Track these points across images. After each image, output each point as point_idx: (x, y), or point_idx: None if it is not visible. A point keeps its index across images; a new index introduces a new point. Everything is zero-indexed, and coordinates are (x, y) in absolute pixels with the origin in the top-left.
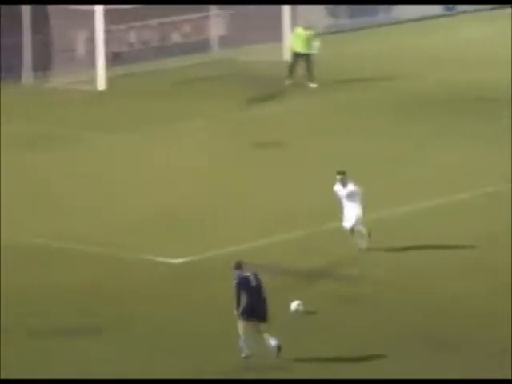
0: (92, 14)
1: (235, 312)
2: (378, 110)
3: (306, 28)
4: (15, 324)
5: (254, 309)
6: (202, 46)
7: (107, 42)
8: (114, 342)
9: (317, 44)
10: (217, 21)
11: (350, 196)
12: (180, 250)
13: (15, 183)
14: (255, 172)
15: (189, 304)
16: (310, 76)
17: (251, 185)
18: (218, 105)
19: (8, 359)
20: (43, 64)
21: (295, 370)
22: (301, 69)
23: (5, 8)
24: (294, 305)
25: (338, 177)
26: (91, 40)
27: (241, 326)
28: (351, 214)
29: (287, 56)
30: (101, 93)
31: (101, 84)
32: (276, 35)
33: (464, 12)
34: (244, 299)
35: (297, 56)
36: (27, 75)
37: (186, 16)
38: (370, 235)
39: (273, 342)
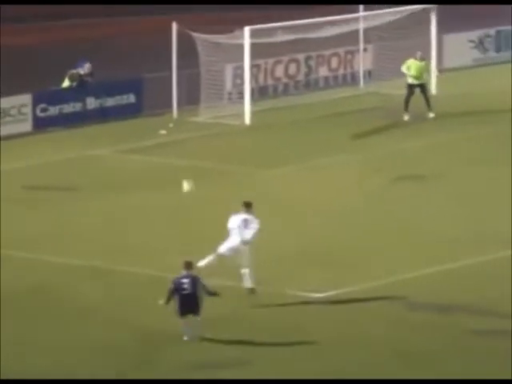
0: (240, 47)
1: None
2: None
3: (421, 59)
4: None
5: (188, 306)
6: (349, 79)
7: (254, 76)
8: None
9: (429, 73)
10: (364, 54)
11: None
12: (337, 283)
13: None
14: (402, 205)
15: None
16: (428, 106)
17: (398, 218)
18: (364, 139)
19: None
20: (192, 98)
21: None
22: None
23: (153, 44)
24: None
25: None
26: (239, 74)
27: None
28: None
29: (434, 89)
30: (248, 127)
31: (247, 118)
32: None
33: None
34: (177, 300)
35: (411, 87)
36: (175, 109)
37: (333, 50)
38: None
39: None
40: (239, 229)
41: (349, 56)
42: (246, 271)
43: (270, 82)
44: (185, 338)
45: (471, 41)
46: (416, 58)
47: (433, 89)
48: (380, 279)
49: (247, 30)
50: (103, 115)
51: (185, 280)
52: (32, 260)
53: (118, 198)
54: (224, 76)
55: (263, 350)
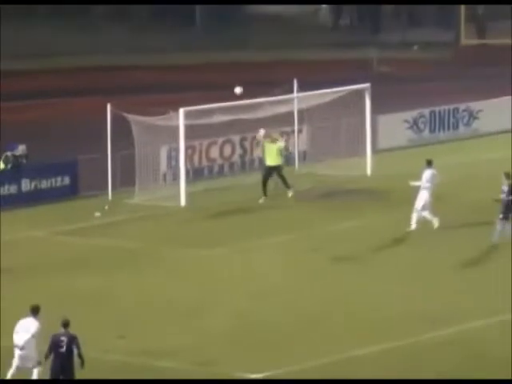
0: (175, 129)
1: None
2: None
3: (274, 140)
4: None
5: (62, 368)
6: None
7: (189, 157)
8: None
9: (284, 155)
10: (299, 136)
11: None
12: (264, 364)
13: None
14: (338, 286)
15: None
16: (286, 185)
17: (338, 298)
18: (300, 219)
19: None
20: (127, 179)
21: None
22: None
23: (87, 125)
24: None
25: None
26: (174, 156)
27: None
28: None
29: (369, 170)
30: (183, 208)
31: (182, 200)
32: (358, 149)
33: None
34: (53, 359)
35: (269, 169)
36: (110, 191)
37: (268, 131)
38: None
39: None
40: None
41: (284, 137)
42: None
43: (204, 163)
44: None
45: (406, 121)
46: (270, 140)
47: (368, 169)
48: (314, 359)
49: (182, 111)
50: (38, 197)
51: (62, 338)
52: None
53: (53, 280)
54: (159, 157)
55: None
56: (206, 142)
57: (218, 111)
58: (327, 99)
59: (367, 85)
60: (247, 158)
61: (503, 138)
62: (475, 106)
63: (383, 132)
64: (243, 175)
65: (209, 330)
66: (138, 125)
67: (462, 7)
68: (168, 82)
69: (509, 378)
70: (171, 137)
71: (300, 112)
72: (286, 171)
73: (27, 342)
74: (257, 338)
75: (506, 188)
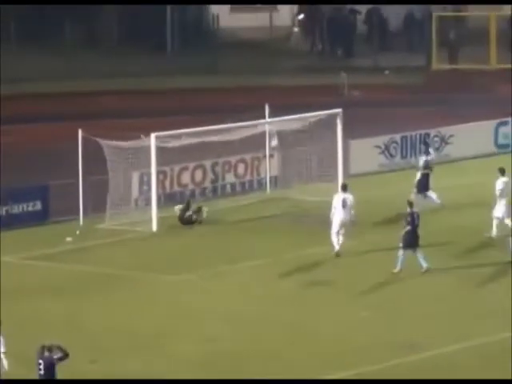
0: (146, 154)
1: None
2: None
3: None
4: None
5: None
6: (256, 185)
7: (161, 182)
8: None
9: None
10: (270, 160)
11: None
12: None
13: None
14: (306, 312)
15: None
16: None
17: (307, 324)
18: (270, 245)
19: None
20: (98, 205)
21: None
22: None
23: (59, 151)
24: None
25: None
26: (145, 181)
27: None
28: None
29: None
30: (154, 234)
31: (154, 225)
32: (330, 174)
33: None
34: None
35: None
36: (82, 216)
37: (240, 156)
38: None
39: None
40: None
41: (255, 162)
42: None
43: (176, 188)
44: None
45: (377, 146)
46: None
47: None
48: None
49: (153, 136)
50: (9, 222)
51: (40, 361)
52: None
53: (23, 305)
54: (130, 183)
55: None
56: (177, 168)
57: (189, 136)
58: (299, 124)
59: (339, 110)
60: (219, 183)
61: (475, 163)
62: (446, 131)
63: (355, 157)
64: (215, 200)
65: (179, 355)
66: (109, 150)
67: (434, 32)
68: (139, 107)
69: None
70: (143, 162)
71: (271, 137)
72: (257, 196)
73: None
74: (226, 365)
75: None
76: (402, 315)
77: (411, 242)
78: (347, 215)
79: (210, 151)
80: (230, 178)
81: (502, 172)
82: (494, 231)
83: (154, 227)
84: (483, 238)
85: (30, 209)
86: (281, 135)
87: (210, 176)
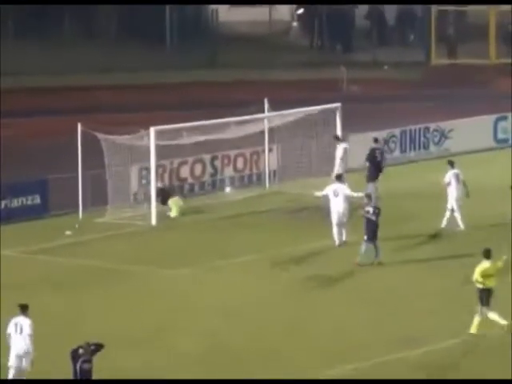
0: (146, 148)
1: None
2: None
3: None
4: None
5: None
6: (255, 179)
7: (160, 176)
8: None
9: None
10: (269, 155)
11: None
12: None
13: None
14: (305, 306)
15: None
16: None
17: (305, 320)
18: (269, 239)
19: None
20: (97, 199)
21: None
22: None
23: (58, 145)
24: None
25: None
26: (144, 175)
27: None
28: None
29: None
30: (153, 228)
31: (153, 219)
32: (328, 169)
33: None
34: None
35: None
36: (81, 210)
37: (239, 150)
38: None
39: None
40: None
41: (254, 156)
42: None
43: (175, 182)
44: None
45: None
46: None
47: None
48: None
49: (152, 130)
50: (8, 216)
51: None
52: None
53: (22, 298)
54: (130, 177)
55: None
56: (176, 162)
57: (188, 130)
58: (298, 119)
59: (338, 104)
60: (218, 177)
61: (474, 157)
62: (446, 125)
63: (354, 151)
64: (214, 195)
65: (179, 349)
66: (108, 144)
67: (433, 27)
68: (139, 101)
69: None
70: (142, 156)
71: (270, 131)
72: (255, 190)
73: (26, 344)
74: (225, 359)
75: None
76: (400, 310)
77: (374, 233)
78: (341, 205)
79: (209, 145)
80: (229, 171)
81: (451, 164)
82: (460, 224)
83: (154, 221)
84: (484, 231)
85: (30, 203)
86: (280, 130)
87: (209, 170)
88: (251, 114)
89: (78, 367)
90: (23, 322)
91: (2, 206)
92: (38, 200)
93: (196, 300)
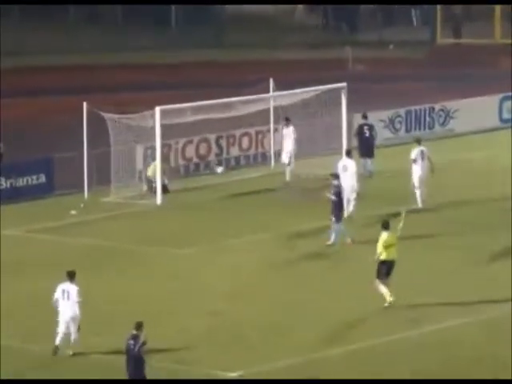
0: (150, 128)
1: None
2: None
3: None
4: None
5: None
6: (260, 159)
7: (165, 156)
8: None
9: None
10: (275, 134)
11: None
12: (238, 363)
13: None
14: (311, 285)
15: None
16: None
17: (308, 296)
18: (274, 218)
19: None
20: (102, 178)
21: None
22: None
23: (63, 124)
24: None
25: None
26: (150, 154)
27: None
28: None
29: None
30: (158, 207)
31: (158, 198)
32: (334, 148)
33: None
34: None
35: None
36: (86, 189)
37: (244, 130)
38: None
39: None
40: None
41: (260, 136)
42: None
43: (181, 162)
44: None
45: (382, 120)
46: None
47: None
48: (287, 359)
49: (158, 110)
50: (14, 195)
51: (131, 341)
52: None
53: (27, 278)
54: (135, 156)
55: None
56: (181, 141)
57: (193, 110)
58: (303, 98)
59: (343, 84)
60: (223, 156)
61: (479, 137)
62: (451, 105)
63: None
64: (219, 174)
65: (184, 328)
66: (114, 123)
67: (438, 7)
68: (144, 81)
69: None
70: (147, 135)
71: (276, 111)
72: (261, 170)
73: (73, 311)
74: (231, 337)
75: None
76: (403, 288)
77: (339, 213)
78: (349, 181)
79: (214, 125)
80: (234, 151)
81: (418, 141)
82: (419, 202)
83: (159, 200)
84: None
85: (35, 182)
86: (285, 109)
87: (215, 149)
88: (259, 93)
89: (138, 350)
90: (70, 289)
91: (7, 184)
92: (43, 179)
93: (200, 279)
